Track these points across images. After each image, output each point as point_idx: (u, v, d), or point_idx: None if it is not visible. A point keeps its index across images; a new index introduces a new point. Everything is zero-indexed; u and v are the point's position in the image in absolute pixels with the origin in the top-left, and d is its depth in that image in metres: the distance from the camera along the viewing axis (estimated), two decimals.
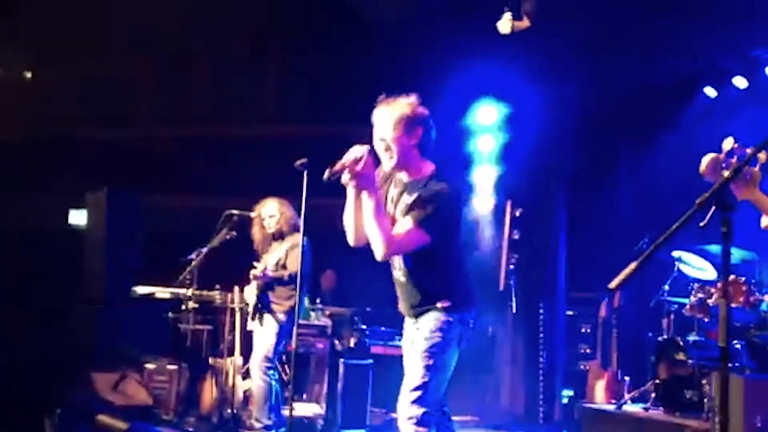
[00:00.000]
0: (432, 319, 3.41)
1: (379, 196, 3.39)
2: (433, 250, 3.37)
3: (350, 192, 3.40)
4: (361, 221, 3.38)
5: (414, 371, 3.37)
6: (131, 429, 3.38)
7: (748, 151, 2.63)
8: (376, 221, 3.31)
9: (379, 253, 3.35)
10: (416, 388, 3.33)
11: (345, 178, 3.30)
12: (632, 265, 2.44)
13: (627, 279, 2.43)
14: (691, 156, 6.63)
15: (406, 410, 3.33)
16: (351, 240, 3.55)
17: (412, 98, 3.40)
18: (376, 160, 3.40)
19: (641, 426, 5.56)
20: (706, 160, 2.70)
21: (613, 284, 2.44)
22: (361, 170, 3.27)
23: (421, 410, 3.30)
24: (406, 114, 3.33)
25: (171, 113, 9.64)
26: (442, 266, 3.45)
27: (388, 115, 3.35)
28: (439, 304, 3.40)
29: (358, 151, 3.28)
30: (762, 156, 2.61)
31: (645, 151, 7.77)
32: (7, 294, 7.85)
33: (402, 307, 3.61)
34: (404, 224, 3.35)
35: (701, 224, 2.54)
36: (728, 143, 2.68)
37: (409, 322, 3.59)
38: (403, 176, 3.49)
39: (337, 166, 3.26)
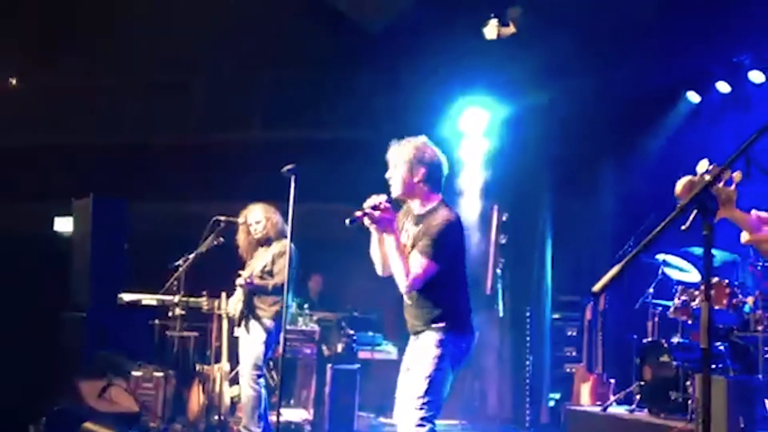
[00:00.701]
0: (428, 337, 3.76)
1: (398, 235, 3.81)
2: (439, 276, 3.73)
3: (373, 232, 3.82)
4: (386, 255, 3.83)
5: (415, 386, 3.70)
6: None
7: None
8: (399, 259, 3.74)
9: (402, 289, 3.79)
10: (418, 397, 3.66)
11: (366, 222, 3.73)
12: (615, 269, 2.46)
13: (610, 282, 2.45)
14: (674, 160, 6.73)
15: (411, 418, 3.65)
16: (379, 271, 3.95)
17: (419, 141, 3.87)
18: (395, 205, 3.85)
19: (626, 428, 5.60)
20: (682, 182, 2.73)
21: (596, 288, 2.46)
22: (380, 216, 3.70)
23: (427, 414, 3.65)
24: (410, 156, 3.81)
25: (158, 120, 9.63)
26: (444, 292, 3.78)
27: (396, 157, 3.85)
28: (434, 325, 3.75)
29: (375, 199, 3.72)
30: (736, 175, 2.64)
31: (629, 156, 7.85)
32: None
33: (407, 325, 3.92)
34: (416, 259, 3.73)
35: (683, 227, 2.57)
36: (702, 165, 2.71)
37: (411, 341, 3.89)
38: (414, 207, 3.92)
39: (358, 213, 3.70)
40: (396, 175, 3.84)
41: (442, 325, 3.73)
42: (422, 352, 3.76)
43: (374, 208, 3.70)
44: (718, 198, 2.68)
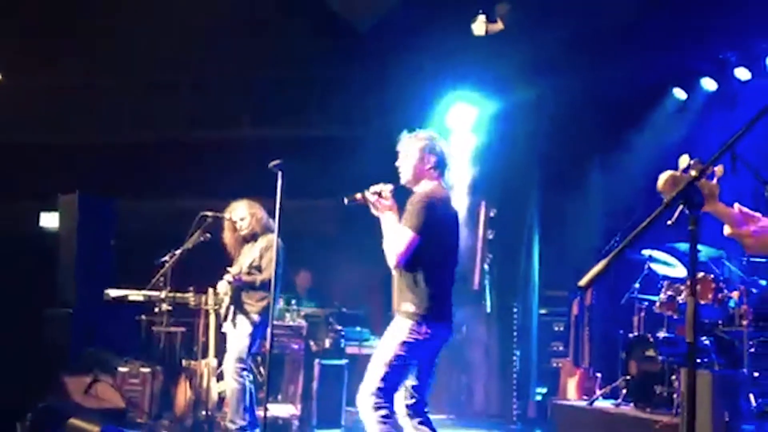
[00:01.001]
0: (399, 321, 3.88)
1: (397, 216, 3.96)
2: (421, 253, 3.84)
3: (374, 213, 3.99)
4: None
5: (373, 365, 3.87)
6: None
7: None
8: (390, 235, 3.90)
9: (390, 263, 3.91)
10: (371, 383, 3.83)
11: (368, 202, 3.92)
12: (602, 263, 2.47)
13: (597, 277, 2.46)
14: (661, 157, 6.76)
15: (363, 401, 3.83)
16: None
17: (431, 133, 4.14)
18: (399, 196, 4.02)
19: (612, 422, 5.63)
20: (664, 177, 2.73)
21: (583, 282, 2.47)
22: (377, 200, 3.90)
23: (378, 400, 3.80)
24: (423, 145, 4.04)
25: (148, 118, 9.60)
26: (424, 273, 3.86)
27: (408, 146, 4.06)
28: (406, 308, 3.86)
29: (381, 187, 3.93)
30: (718, 170, 2.66)
31: (616, 152, 7.87)
32: None
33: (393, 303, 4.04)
34: (400, 232, 3.86)
35: (669, 222, 2.59)
36: (684, 161, 2.72)
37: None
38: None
39: (358, 195, 3.92)
40: (407, 162, 4.04)
41: (413, 311, 3.83)
42: (390, 336, 3.88)
43: (377, 194, 3.90)
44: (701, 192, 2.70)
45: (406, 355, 3.85)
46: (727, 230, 2.91)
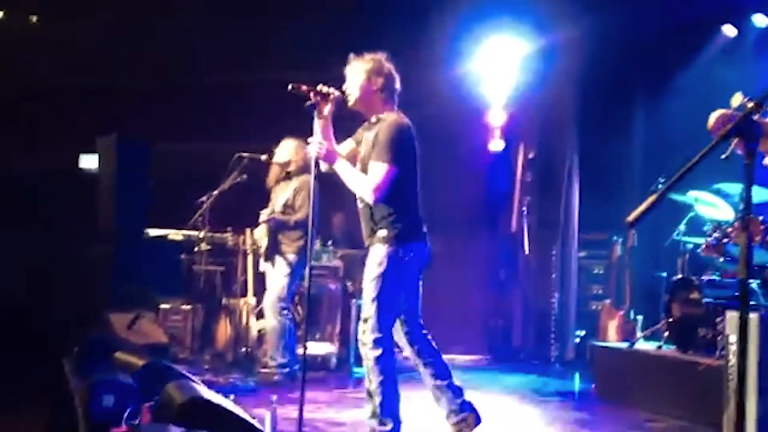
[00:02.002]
0: (375, 252, 3.89)
1: (345, 156, 4.00)
2: (397, 183, 3.85)
3: (315, 121, 3.94)
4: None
5: (364, 303, 3.90)
6: (148, 365, 3.41)
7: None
8: (352, 178, 3.92)
9: (368, 200, 3.88)
10: (365, 319, 3.86)
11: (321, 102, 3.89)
12: (650, 199, 2.40)
13: (646, 213, 2.40)
14: (707, 97, 6.56)
15: (361, 337, 3.87)
16: (323, 167, 4.07)
17: (379, 55, 4.02)
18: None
19: (653, 364, 5.58)
20: (715, 115, 2.64)
21: (631, 218, 2.41)
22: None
23: (372, 336, 3.81)
24: (370, 66, 3.97)
25: (181, 61, 9.55)
26: (395, 200, 3.88)
27: (355, 68, 3.99)
28: (378, 234, 3.88)
29: (327, 88, 3.88)
30: None
31: (660, 93, 7.66)
32: (22, 238, 7.87)
33: (364, 238, 4.05)
34: (375, 167, 3.84)
35: (723, 156, 2.51)
36: (737, 99, 2.62)
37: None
38: (370, 117, 4.04)
39: (304, 87, 3.85)
40: (354, 85, 3.96)
41: (389, 234, 3.84)
42: (369, 270, 3.88)
43: (323, 94, 3.85)
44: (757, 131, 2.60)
45: (393, 285, 3.85)
46: None
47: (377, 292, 3.83)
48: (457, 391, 4.06)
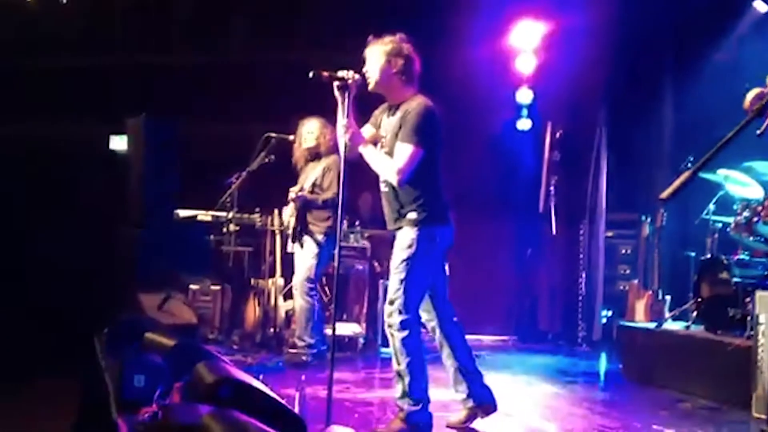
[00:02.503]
0: (404, 235, 3.90)
1: (368, 141, 4.00)
2: (423, 164, 3.86)
3: (338, 98, 3.88)
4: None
5: (391, 285, 3.90)
6: (178, 346, 3.45)
7: None
8: (378, 160, 3.94)
9: (393, 182, 3.89)
10: (392, 301, 3.86)
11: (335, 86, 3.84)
12: (685, 175, 2.39)
13: (679, 190, 2.39)
14: (737, 75, 6.45)
15: (387, 319, 3.88)
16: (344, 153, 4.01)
17: (398, 36, 3.99)
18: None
19: (682, 344, 5.55)
20: (751, 95, 2.60)
21: (664, 195, 2.40)
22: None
23: (399, 318, 3.82)
24: (389, 48, 3.94)
25: (208, 40, 9.59)
26: (419, 177, 3.87)
27: (374, 50, 3.96)
28: (408, 216, 3.88)
29: (346, 72, 3.82)
30: None
31: (690, 71, 7.54)
32: (53, 220, 7.98)
33: (387, 222, 4.05)
34: (402, 150, 3.85)
35: (758, 132, 2.48)
36: None
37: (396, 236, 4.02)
38: (390, 100, 4.03)
39: (325, 73, 3.81)
40: (373, 67, 3.94)
41: (415, 217, 3.85)
42: (398, 253, 3.89)
43: (343, 78, 3.80)
44: None
45: (422, 267, 3.87)
46: None
47: (406, 274, 3.84)
48: (478, 377, 4.09)
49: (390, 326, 3.87)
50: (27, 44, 9.20)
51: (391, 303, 3.86)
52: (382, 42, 3.97)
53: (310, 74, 3.80)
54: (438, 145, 3.97)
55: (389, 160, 3.90)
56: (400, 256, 3.88)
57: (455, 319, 4.12)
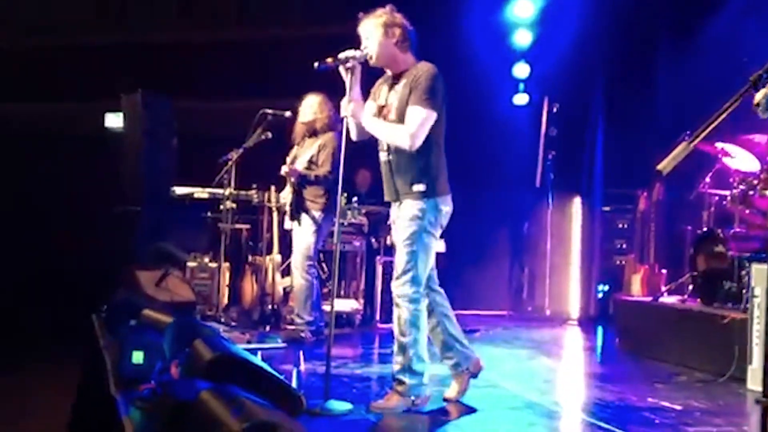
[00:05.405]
0: (409, 207, 3.84)
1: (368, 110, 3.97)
2: (433, 129, 3.80)
3: (347, 83, 3.88)
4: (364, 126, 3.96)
5: (399, 257, 3.85)
6: (176, 323, 3.47)
7: None
8: (386, 129, 3.87)
9: (407, 147, 3.80)
10: (403, 273, 3.81)
11: (342, 71, 3.86)
12: (681, 147, 2.39)
13: (676, 160, 2.38)
14: (735, 47, 6.41)
15: (397, 290, 3.83)
16: (354, 137, 4.02)
17: (388, 7, 3.95)
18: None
19: (678, 317, 5.58)
20: (760, 95, 2.59)
21: (662, 165, 2.40)
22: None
23: (411, 290, 3.80)
24: (383, 20, 3.90)
25: (202, 18, 9.53)
26: (426, 144, 3.81)
27: (369, 25, 3.92)
28: (414, 188, 3.82)
29: (351, 52, 3.84)
30: None
31: (685, 46, 7.50)
32: (49, 198, 7.98)
33: (386, 193, 4.00)
34: (414, 112, 3.78)
35: (755, 102, 2.47)
36: None
37: (393, 207, 3.99)
38: (392, 71, 3.98)
39: (329, 60, 3.83)
40: (372, 41, 3.90)
41: (422, 188, 3.80)
42: (404, 225, 3.84)
43: (345, 60, 3.82)
44: None
45: (431, 238, 3.84)
46: None
47: (416, 246, 3.79)
48: (464, 342, 4.08)
49: (400, 297, 3.81)
50: (24, 23, 9.15)
51: (403, 274, 3.80)
52: (374, 15, 3.93)
53: (315, 65, 3.79)
54: (444, 113, 3.91)
55: (399, 126, 3.82)
56: (408, 228, 3.82)
57: (439, 287, 4.08)
